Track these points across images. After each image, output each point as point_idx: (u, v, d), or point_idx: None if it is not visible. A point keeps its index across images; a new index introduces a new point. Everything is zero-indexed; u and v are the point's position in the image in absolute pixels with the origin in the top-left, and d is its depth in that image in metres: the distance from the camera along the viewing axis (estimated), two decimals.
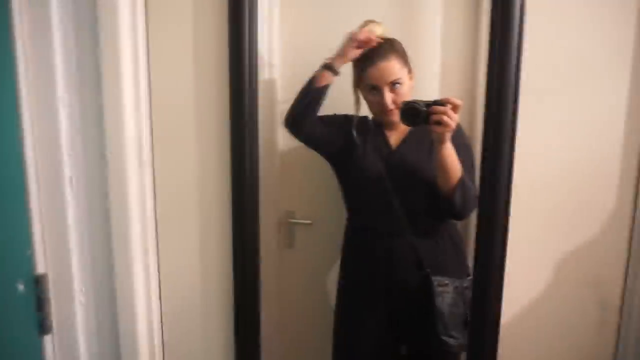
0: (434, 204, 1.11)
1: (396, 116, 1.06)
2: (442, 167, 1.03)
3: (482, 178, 1.01)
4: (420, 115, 0.99)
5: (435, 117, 0.98)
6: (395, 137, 1.18)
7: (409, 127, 1.12)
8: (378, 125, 1.18)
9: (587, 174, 1.06)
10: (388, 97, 1.08)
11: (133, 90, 1.01)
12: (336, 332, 1.31)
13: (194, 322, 1.18)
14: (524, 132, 0.98)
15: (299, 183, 1.56)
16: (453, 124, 0.98)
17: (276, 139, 1.44)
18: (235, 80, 1.04)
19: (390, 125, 1.17)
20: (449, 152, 1.02)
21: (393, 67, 1.08)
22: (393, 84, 1.08)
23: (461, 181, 1.04)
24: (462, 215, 1.12)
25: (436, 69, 1.25)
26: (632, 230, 1.06)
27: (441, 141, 1.00)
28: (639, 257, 1.05)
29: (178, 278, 1.16)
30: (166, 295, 1.16)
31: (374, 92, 1.10)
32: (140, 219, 1.06)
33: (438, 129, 0.98)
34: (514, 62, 0.96)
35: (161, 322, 1.16)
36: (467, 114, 1.20)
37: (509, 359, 1.09)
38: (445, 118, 0.97)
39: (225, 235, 1.12)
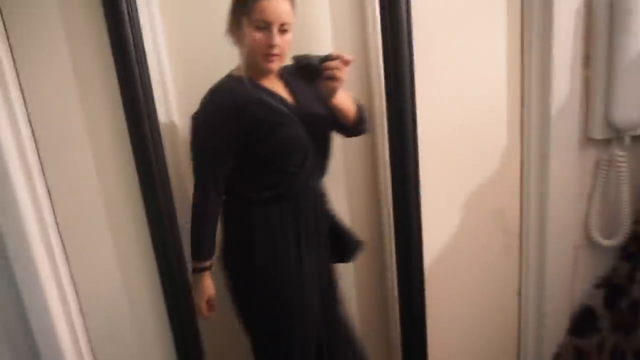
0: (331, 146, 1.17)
1: (277, 65, 1.04)
2: (341, 110, 1.08)
3: (390, 129, 1.07)
4: (317, 71, 0.99)
5: (329, 73, 0.99)
6: (279, 90, 1.11)
7: (281, 77, 1.11)
8: (255, 82, 1.08)
9: (480, 115, 1.16)
10: (278, 37, 1.01)
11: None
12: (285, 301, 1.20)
13: (125, 333, 1.11)
14: (421, 83, 1.03)
15: None
16: (345, 78, 1.00)
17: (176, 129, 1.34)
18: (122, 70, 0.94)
19: (266, 77, 1.09)
20: (341, 95, 1.05)
21: (286, 7, 1.02)
22: (282, 28, 1.01)
23: (359, 108, 1.11)
24: (366, 131, 1.19)
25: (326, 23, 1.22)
26: (522, 163, 1.19)
27: (334, 94, 1.03)
28: (530, 187, 1.19)
29: (99, 292, 1.07)
30: (88, 312, 1.07)
31: (263, 30, 1.00)
32: (41, 237, 0.96)
33: (332, 83, 1.00)
34: (404, 15, 1.00)
35: (89, 340, 1.08)
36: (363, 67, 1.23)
37: (433, 282, 1.19)
38: (338, 73, 0.99)
39: (143, 233, 1.05)
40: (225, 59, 1.07)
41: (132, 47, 0.93)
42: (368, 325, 1.47)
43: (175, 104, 1.15)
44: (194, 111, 1.05)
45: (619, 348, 1.07)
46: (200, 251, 1.14)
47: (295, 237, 1.15)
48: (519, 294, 1.30)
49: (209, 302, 1.18)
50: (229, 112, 1.03)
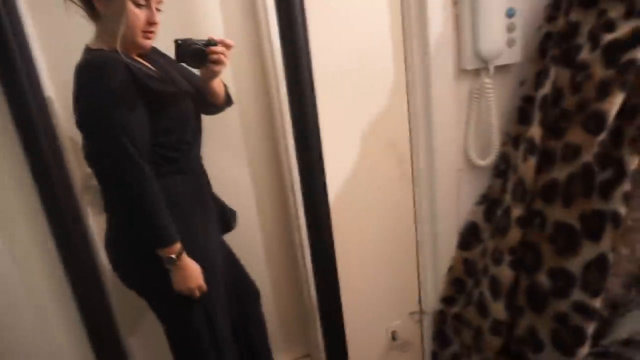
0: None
1: (152, 42, 1.03)
2: (215, 91, 1.13)
3: (287, 71, 1.12)
4: (204, 55, 1.02)
5: (215, 57, 1.02)
6: (149, 66, 1.09)
7: (146, 56, 1.09)
8: (131, 57, 1.04)
9: (368, 53, 1.24)
10: (156, 15, 1.00)
11: None
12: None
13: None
14: (314, 26, 1.09)
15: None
16: (228, 62, 1.05)
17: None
18: None
19: (136, 55, 1.06)
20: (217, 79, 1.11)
21: None
22: (158, 6, 1.01)
23: (225, 87, 1.18)
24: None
25: None
26: (407, 96, 1.30)
27: (216, 77, 1.08)
28: (416, 118, 1.32)
29: None
30: None
31: (142, 7, 0.98)
32: None
33: (216, 67, 1.04)
34: None
35: None
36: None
37: (339, 212, 1.29)
38: (223, 57, 1.03)
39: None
40: None
41: None
42: (279, 264, 1.54)
43: None
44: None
45: (497, 249, 1.25)
46: (170, 232, 1.01)
47: (201, 210, 1.14)
48: (415, 219, 1.44)
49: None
50: (127, 83, 0.96)
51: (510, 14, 1.23)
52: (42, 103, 1.03)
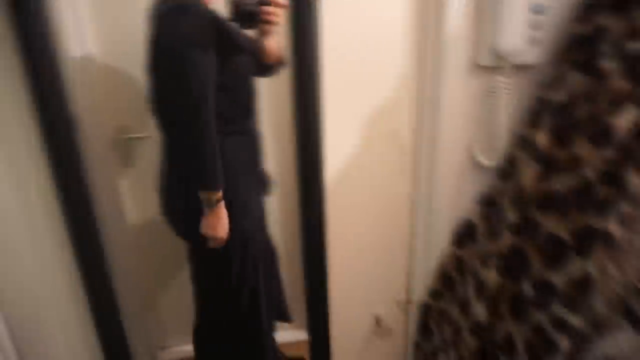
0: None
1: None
2: (270, 51, 1.17)
3: (294, 49, 1.11)
4: (256, 15, 1.06)
5: (267, 17, 1.06)
6: None
7: None
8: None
9: (380, 37, 1.22)
10: None
11: None
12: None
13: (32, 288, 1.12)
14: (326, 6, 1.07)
15: (127, 94, 1.50)
16: (280, 21, 1.09)
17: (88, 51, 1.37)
18: None
19: None
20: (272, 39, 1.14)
21: None
22: None
23: (281, 49, 1.20)
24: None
25: None
26: (417, 86, 1.27)
27: (269, 35, 1.13)
28: (423, 110, 1.29)
29: None
30: None
31: None
32: None
33: (268, 27, 1.09)
34: None
35: None
36: None
37: (335, 193, 1.30)
38: (275, 17, 1.07)
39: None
40: None
41: None
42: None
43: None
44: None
45: (488, 252, 1.23)
46: (218, 179, 1.09)
47: (251, 171, 1.22)
48: (412, 211, 1.43)
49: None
50: (208, 29, 1.01)
51: (537, 9, 1.16)
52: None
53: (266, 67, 1.22)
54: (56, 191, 1.06)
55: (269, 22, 1.07)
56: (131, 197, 1.66)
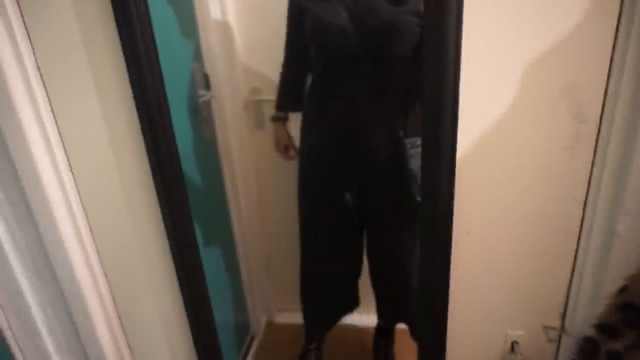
0: (405, 57, 1.12)
1: None
2: None
3: None
4: None
5: None
6: None
7: None
8: None
9: None
10: None
11: None
12: (301, 205, 1.45)
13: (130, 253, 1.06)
14: None
15: (261, 56, 1.61)
16: None
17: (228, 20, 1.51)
18: None
19: None
20: None
21: None
22: None
23: None
24: None
25: None
26: (619, 15, 0.85)
27: None
28: (624, 54, 0.87)
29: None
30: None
31: None
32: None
33: None
34: None
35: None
36: None
37: (466, 187, 0.98)
38: None
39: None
40: None
41: None
42: None
43: None
44: None
45: None
46: (278, 101, 1.45)
47: (325, 123, 1.31)
48: (584, 206, 1.02)
49: (287, 149, 1.51)
50: None
51: None
52: None
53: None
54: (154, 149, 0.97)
55: None
56: (263, 156, 1.76)
